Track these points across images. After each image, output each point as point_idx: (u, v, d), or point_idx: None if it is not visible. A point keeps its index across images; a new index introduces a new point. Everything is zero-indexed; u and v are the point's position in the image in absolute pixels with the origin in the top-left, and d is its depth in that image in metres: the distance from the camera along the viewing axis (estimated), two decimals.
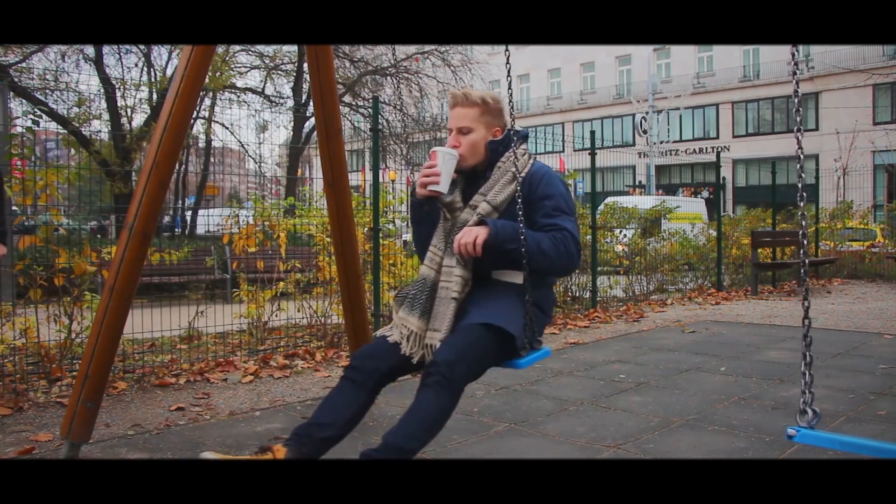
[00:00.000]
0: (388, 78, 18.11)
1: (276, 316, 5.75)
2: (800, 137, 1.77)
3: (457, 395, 2.21)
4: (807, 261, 1.79)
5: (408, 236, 10.66)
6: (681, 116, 31.73)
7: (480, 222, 2.32)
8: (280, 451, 2.18)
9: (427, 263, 2.43)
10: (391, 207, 6.57)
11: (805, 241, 1.82)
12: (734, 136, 32.41)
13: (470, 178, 2.49)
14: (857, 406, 3.69)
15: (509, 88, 2.45)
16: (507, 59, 2.44)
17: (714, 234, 10.44)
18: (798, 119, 1.77)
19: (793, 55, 1.71)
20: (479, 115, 2.44)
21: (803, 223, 1.79)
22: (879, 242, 13.55)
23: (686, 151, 32.99)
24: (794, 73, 1.73)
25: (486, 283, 2.42)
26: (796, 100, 1.75)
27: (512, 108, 2.48)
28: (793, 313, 7.69)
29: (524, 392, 4.12)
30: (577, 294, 7.93)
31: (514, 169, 2.39)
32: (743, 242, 10.74)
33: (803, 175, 1.79)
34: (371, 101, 8.28)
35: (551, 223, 2.33)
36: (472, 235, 2.25)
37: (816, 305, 8.35)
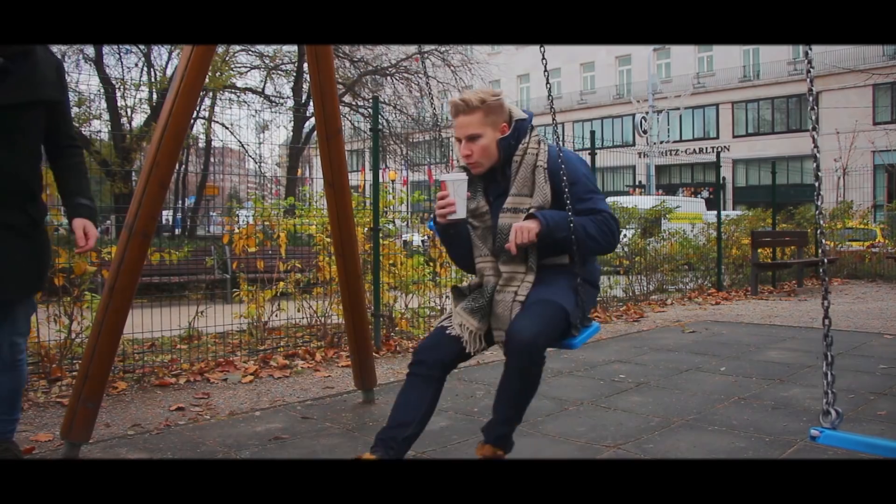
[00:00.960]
0: (388, 78, 18.10)
1: (276, 316, 5.75)
2: (815, 136, 1.79)
3: (542, 365, 2.37)
4: (826, 259, 1.80)
5: (407, 236, 10.65)
6: (681, 116, 31.71)
7: (530, 216, 2.39)
8: (368, 458, 2.27)
9: (484, 272, 2.50)
10: (391, 207, 6.56)
11: (823, 240, 1.83)
12: (734, 136, 32.40)
13: (488, 177, 2.52)
14: (857, 406, 3.68)
15: (547, 83, 2.56)
16: (543, 55, 2.46)
17: (714, 234, 10.45)
18: (813, 117, 1.78)
19: (806, 53, 1.72)
20: (483, 117, 2.43)
21: (821, 221, 1.80)
22: (879, 242, 13.55)
23: (686, 151, 32.98)
24: (808, 72, 1.75)
25: (538, 270, 2.49)
26: (811, 98, 1.77)
27: (551, 98, 2.53)
28: (792, 313, 7.69)
29: None
30: None
31: (535, 162, 2.45)
32: (743, 242, 10.74)
33: (821, 173, 1.80)
34: (371, 101, 8.27)
35: (587, 208, 2.42)
36: (525, 233, 2.33)
37: (816, 305, 8.35)
